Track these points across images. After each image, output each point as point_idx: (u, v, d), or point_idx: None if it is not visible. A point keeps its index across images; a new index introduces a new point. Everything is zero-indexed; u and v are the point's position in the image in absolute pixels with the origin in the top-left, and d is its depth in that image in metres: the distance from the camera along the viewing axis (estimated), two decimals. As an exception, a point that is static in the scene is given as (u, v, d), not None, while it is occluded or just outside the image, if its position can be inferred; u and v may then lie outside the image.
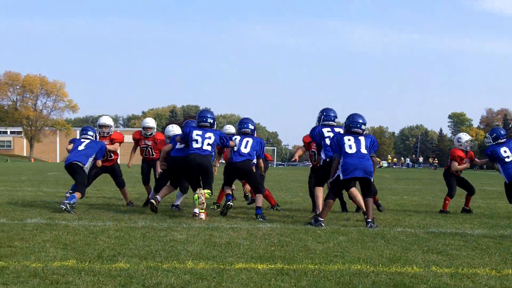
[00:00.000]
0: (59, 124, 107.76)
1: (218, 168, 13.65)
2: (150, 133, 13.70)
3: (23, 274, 5.66)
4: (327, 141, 10.61)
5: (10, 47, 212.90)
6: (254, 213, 11.03)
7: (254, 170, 11.55)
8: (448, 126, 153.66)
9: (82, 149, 11.94)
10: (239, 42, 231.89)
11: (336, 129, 10.74)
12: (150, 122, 13.96)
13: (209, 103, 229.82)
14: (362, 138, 10.14)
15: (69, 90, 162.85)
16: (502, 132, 12.31)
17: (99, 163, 12.38)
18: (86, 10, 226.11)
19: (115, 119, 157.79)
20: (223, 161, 12.90)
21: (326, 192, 10.49)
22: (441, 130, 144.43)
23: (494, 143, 12.24)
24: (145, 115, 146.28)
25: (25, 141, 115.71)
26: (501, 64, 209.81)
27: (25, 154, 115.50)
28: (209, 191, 10.71)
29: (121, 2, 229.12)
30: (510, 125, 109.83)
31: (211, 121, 11.17)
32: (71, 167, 11.74)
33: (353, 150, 9.98)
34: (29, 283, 5.36)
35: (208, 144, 10.84)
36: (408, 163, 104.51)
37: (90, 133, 12.39)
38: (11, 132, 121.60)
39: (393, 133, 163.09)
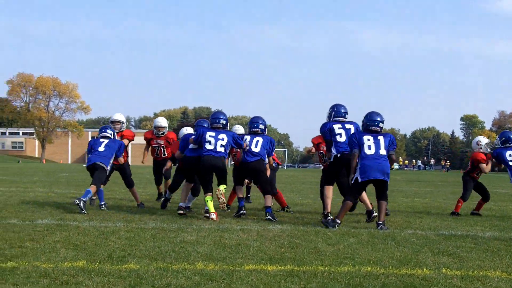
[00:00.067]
0: (71, 125, 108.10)
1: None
2: (162, 132, 13.75)
3: (33, 274, 5.68)
4: (338, 138, 10.58)
5: (23, 48, 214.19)
6: (264, 212, 11.05)
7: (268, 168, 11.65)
8: (460, 128, 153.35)
9: (102, 151, 12.09)
10: (251, 44, 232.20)
11: (347, 126, 10.70)
12: (162, 121, 14.00)
13: (221, 105, 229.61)
14: (381, 138, 10.12)
15: (82, 91, 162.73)
16: (511, 136, 12.34)
17: (121, 160, 12.63)
18: (99, 12, 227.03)
19: (127, 120, 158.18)
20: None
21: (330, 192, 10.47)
22: (453, 132, 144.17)
23: (502, 146, 12.29)
24: (156, 116, 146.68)
25: (37, 142, 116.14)
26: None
27: (37, 155, 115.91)
28: (225, 186, 10.84)
29: (134, 4, 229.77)
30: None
31: (224, 122, 11.22)
32: (94, 168, 11.93)
33: (372, 151, 9.97)
34: (40, 283, 5.38)
35: (221, 146, 10.90)
36: (419, 165, 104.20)
37: (109, 131, 12.50)
38: (23, 133, 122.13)
39: (405, 135, 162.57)
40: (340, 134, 10.60)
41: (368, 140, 10.05)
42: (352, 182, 10.14)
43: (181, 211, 11.01)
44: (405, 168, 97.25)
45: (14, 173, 33.62)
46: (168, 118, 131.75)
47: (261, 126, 11.54)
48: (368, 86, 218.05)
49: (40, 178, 27.82)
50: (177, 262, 6.48)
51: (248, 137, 11.37)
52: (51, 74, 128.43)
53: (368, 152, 9.97)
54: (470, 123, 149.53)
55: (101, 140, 12.24)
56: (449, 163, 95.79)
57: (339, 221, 9.82)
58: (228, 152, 11.21)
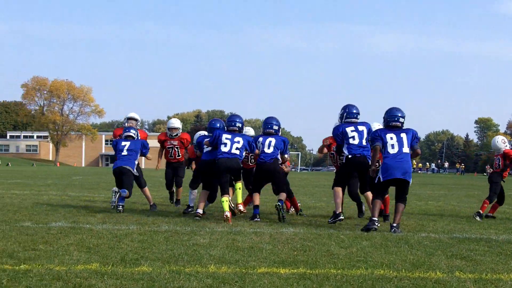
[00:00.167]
0: (85, 128, 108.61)
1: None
2: (175, 133, 13.77)
3: (46, 277, 5.70)
4: (351, 140, 10.56)
5: (38, 52, 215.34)
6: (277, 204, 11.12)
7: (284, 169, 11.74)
8: (475, 131, 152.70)
9: (126, 155, 12.36)
10: (265, 48, 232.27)
11: (360, 127, 10.68)
12: (176, 122, 14.03)
13: (234, 108, 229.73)
14: (404, 136, 10.10)
15: (96, 95, 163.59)
16: None
17: (149, 157, 12.96)
18: (113, 16, 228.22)
19: (141, 124, 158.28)
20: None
21: (328, 194, 10.43)
22: (467, 135, 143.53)
23: None
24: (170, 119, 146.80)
25: (51, 145, 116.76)
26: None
27: (51, 158, 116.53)
28: (240, 185, 11.15)
29: (148, 8, 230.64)
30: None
31: (240, 125, 11.27)
32: (121, 172, 12.22)
33: (395, 150, 9.97)
34: (53, 286, 5.40)
35: (237, 148, 10.97)
36: (433, 169, 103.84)
37: (133, 131, 12.67)
38: (38, 137, 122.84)
39: (419, 138, 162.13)
40: (353, 137, 10.59)
41: (391, 138, 10.04)
42: (376, 182, 10.21)
43: (197, 217, 10.99)
44: (419, 171, 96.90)
45: (28, 176, 33.80)
46: (181, 121, 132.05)
47: (275, 127, 11.51)
48: (381, 89, 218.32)
49: (54, 181, 27.94)
50: (190, 265, 6.48)
51: (261, 138, 11.37)
52: (66, 77, 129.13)
53: (391, 151, 9.98)
54: (485, 126, 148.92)
55: (123, 143, 12.40)
56: (463, 166, 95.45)
57: (376, 218, 9.81)
58: (243, 155, 11.22)
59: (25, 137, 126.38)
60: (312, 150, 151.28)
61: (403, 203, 10.04)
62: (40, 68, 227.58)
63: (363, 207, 11.97)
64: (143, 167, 13.85)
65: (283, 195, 11.23)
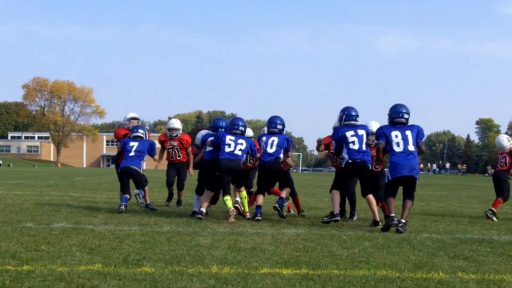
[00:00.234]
0: (86, 129, 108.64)
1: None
2: (175, 134, 13.75)
3: (49, 278, 5.70)
4: (351, 146, 10.55)
5: (39, 53, 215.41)
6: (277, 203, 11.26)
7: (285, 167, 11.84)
8: (476, 132, 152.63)
9: (133, 155, 12.44)
10: (265, 48, 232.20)
11: (360, 132, 10.66)
12: (176, 123, 14.01)
13: (235, 109, 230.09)
14: (409, 133, 10.13)
15: (97, 95, 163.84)
16: None
17: (156, 158, 13.07)
18: (114, 17, 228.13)
19: (142, 125, 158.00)
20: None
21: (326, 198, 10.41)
22: (468, 136, 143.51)
23: None
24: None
25: (52, 146, 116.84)
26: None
27: (52, 159, 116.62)
28: (245, 193, 11.35)
29: (149, 9, 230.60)
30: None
31: (243, 129, 11.33)
32: (128, 172, 12.35)
33: (401, 148, 10.02)
34: (55, 286, 5.39)
35: (240, 150, 11.06)
36: (434, 169, 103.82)
37: (141, 131, 12.69)
38: (39, 137, 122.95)
39: (424, 135, 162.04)
40: (353, 142, 10.58)
41: (396, 136, 10.08)
42: (386, 181, 10.28)
43: (200, 216, 10.98)
44: (420, 172, 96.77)
45: (29, 177, 33.82)
46: (182, 122, 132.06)
47: (279, 126, 11.51)
48: (382, 89, 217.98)
49: (55, 182, 27.96)
50: (192, 265, 6.48)
51: (264, 138, 11.39)
52: (67, 78, 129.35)
53: (397, 149, 10.03)
54: (486, 127, 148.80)
55: (132, 143, 12.45)
56: (465, 167, 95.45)
57: (393, 215, 9.83)
58: (244, 157, 11.26)
59: (26, 137, 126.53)
60: (314, 150, 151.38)
61: (411, 199, 10.09)
62: (41, 69, 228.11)
63: (355, 213, 11.96)
64: (144, 167, 13.82)
65: (286, 190, 11.39)
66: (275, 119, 11.60)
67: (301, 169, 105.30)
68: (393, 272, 6.35)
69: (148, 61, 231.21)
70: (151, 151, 12.69)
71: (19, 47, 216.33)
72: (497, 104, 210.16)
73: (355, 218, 11.76)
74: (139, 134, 12.61)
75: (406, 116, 10.24)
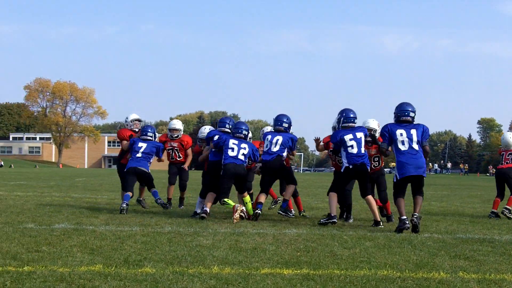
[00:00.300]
0: (87, 130, 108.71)
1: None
2: (176, 135, 13.73)
3: (50, 278, 5.70)
4: (350, 150, 10.55)
5: (41, 54, 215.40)
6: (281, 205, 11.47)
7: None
8: (477, 131, 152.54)
9: (140, 156, 12.55)
10: (267, 49, 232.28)
11: (358, 134, 10.64)
12: (177, 124, 14.00)
13: (237, 109, 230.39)
14: (414, 131, 10.12)
15: (98, 96, 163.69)
16: None
17: (162, 159, 13.14)
18: (116, 17, 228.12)
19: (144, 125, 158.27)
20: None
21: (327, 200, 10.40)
22: (470, 136, 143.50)
23: None
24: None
25: (54, 147, 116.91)
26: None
27: (53, 160, 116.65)
28: (248, 198, 11.48)
29: (150, 9, 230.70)
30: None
31: (246, 133, 11.46)
32: (136, 173, 12.49)
33: (406, 147, 10.04)
34: (56, 287, 5.40)
35: (243, 154, 11.19)
36: (436, 169, 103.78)
37: (150, 133, 12.72)
38: (40, 138, 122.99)
39: (429, 135, 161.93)
40: (352, 146, 10.57)
41: (401, 135, 10.08)
42: (394, 181, 10.27)
43: (204, 215, 10.98)
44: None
45: (31, 178, 33.84)
46: (184, 123, 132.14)
47: (285, 124, 11.51)
48: (383, 89, 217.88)
49: (57, 182, 27.96)
50: (193, 266, 6.48)
51: (269, 136, 11.40)
52: (68, 79, 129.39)
53: (402, 148, 10.05)
54: (487, 127, 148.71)
55: (141, 144, 12.51)
56: (467, 167, 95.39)
57: (405, 217, 9.83)
58: (246, 162, 11.36)
59: (27, 138, 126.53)
60: (315, 151, 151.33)
61: (421, 195, 10.17)
62: (42, 70, 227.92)
63: (351, 216, 11.93)
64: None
65: (291, 188, 11.45)
66: (281, 117, 11.59)
67: (303, 169, 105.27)
68: (394, 272, 6.35)
69: (149, 62, 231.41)
70: (158, 153, 12.86)
71: (20, 48, 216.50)
72: (498, 104, 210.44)
73: (350, 220, 11.68)
74: (148, 137, 12.68)
75: (412, 114, 10.25)
